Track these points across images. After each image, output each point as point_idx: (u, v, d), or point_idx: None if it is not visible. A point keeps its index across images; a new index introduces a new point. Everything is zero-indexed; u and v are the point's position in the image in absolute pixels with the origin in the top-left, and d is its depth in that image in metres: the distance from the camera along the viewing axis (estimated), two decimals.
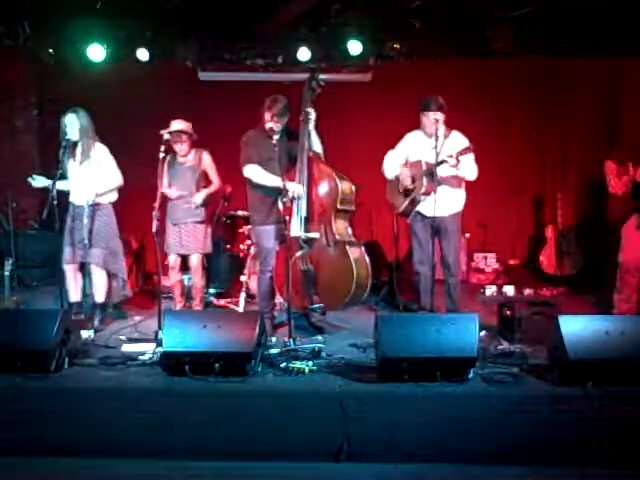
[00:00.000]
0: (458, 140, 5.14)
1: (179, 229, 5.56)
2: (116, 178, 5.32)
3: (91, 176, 5.22)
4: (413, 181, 5.18)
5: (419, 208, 5.15)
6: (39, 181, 5.24)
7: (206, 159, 5.62)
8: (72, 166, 5.25)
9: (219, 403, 3.70)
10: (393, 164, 5.32)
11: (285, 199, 4.69)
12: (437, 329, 3.80)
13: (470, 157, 5.01)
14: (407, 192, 5.23)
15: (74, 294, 5.32)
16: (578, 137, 7.60)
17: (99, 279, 5.34)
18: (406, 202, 5.22)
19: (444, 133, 5.12)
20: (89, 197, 5.21)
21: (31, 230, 7.27)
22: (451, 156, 4.91)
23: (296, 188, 4.87)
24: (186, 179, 5.59)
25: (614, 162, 6.13)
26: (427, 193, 5.02)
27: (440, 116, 5.06)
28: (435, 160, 4.91)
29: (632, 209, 5.45)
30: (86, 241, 5.19)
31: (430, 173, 4.98)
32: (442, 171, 5.02)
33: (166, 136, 5.00)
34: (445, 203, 5.10)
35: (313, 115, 4.97)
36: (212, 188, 5.67)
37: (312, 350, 4.31)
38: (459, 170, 5.02)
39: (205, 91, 7.42)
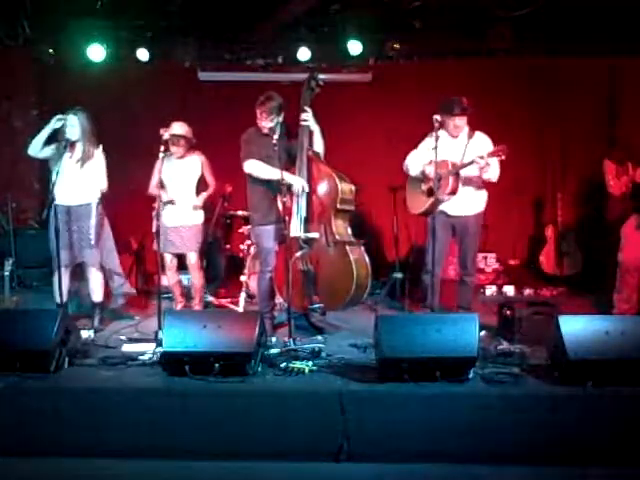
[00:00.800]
0: (482, 141, 5.11)
1: (178, 230, 5.55)
2: (103, 182, 5.27)
3: (87, 177, 5.22)
4: (438, 180, 5.15)
5: (443, 207, 5.10)
6: (56, 123, 5.10)
7: (203, 162, 5.64)
8: (67, 165, 5.15)
9: (219, 403, 3.70)
10: (417, 162, 5.28)
11: (285, 199, 4.68)
12: (437, 329, 3.80)
13: (495, 158, 4.96)
14: (430, 192, 5.21)
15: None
16: (578, 137, 7.59)
17: (96, 279, 5.34)
18: (429, 202, 5.18)
19: (467, 134, 5.11)
20: (95, 197, 5.23)
21: (31, 230, 7.26)
22: (482, 157, 4.87)
23: (299, 182, 4.85)
24: (183, 181, 5.59)
25: (613, 162, 6.12)
26: (453, 193, 5.01)
27: (461, 120, 5.06)
28: (434, 159, 4.89)
29: (631, 209, 5.45)
30: (93, 242, 5.20)
31: (456, 173, 4.99)
32: (468, 171, 5.01)
33: (166, 136, 5.00)
34: (469, 202, 5.11)
35: (310, 117, 4.97)
36: (210, 190, 5.70)
37: (312, 350, 4.32)
38: (486, 172, 4.98)
39: (205, 91, 7.42)
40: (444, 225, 5.11)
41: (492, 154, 4.87)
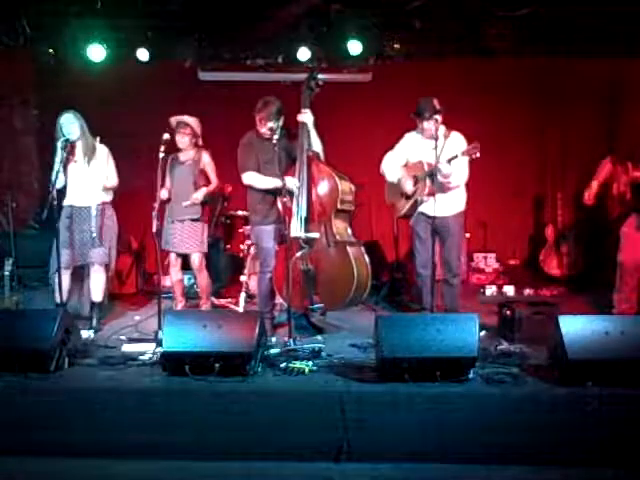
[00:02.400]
0: (457, 142, 5.09)
1: (177, 227, 5.55)
2: (114, 178, 5.31)
3: (95, 176, 5.22)
4: (415, 183, 5.16)
5: (421, 209, 5.12)
6: (62, 144, 5.07)
7: (205, 158, 5.62)
8: (73, 167, 5.18)
9: (219, 403, 3.70)
10: (393, 166, 5.30)
11: (285, 199, 4.68)
12: (437, 329, 3.81)
13: (464, 160, 4.95)
14: (409, 194, 5.22)
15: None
16: (578, 137, 7.59)
17: (99, 278, 5.34)
18: (408, 204, 5.20)
19: (444, 133, 5.09)
20: (99, 197, 5.24)
21: (31, 230, 7.27)
22: (456, 156, 4.84)
23: (291, 183, 4.85)
24: (184, 177, 5.58)
25: (612, 163, 6.09)
26: (431, 194, 4.99)
27: (428, 123, 5.03)
28: (435, 161, 4.88)
29: (631, 209, 5.44)
30: (97, 241, 5.21)
31: (432, 174, 4.95)
32: (446, 172, 4.98)
33: (166, 136, 5.00)
34: (447, 203, 5.08)
35: (310, 118, 4.96)
36: (211, 187, 5.66)
37: (312, 350, 4.32)
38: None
39: (205, 91, 7.42)
40: (426, 226, 5.10)
41: (466, 153, 4.83)
